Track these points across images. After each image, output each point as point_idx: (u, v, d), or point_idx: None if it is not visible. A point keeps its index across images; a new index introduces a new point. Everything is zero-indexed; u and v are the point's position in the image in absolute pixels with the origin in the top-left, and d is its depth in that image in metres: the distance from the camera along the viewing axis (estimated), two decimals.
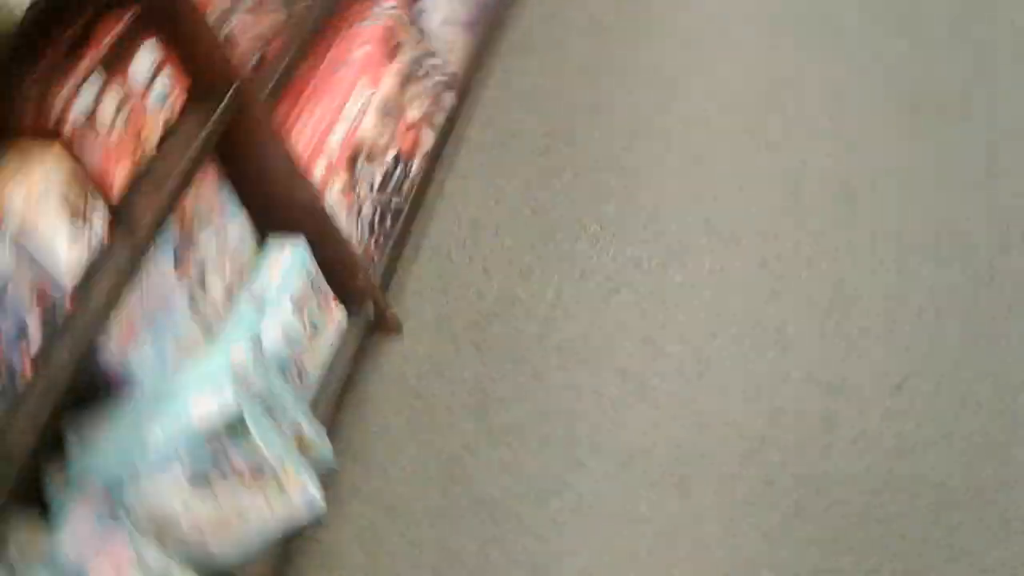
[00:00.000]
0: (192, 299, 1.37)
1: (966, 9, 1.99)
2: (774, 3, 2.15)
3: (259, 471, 1.24)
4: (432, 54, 1.84)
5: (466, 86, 2.08)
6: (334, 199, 1.56)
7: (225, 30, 1.32)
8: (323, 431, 1.43)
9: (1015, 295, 1.51)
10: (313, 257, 1.53)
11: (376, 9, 1.69)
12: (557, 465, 1.50)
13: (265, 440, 1.23)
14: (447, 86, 1.92)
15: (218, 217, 1.42)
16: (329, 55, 1.62)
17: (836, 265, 1.63)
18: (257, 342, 1.32)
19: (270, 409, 1.32)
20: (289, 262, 1.47)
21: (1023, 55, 1.88)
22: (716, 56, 2.08)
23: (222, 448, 1.21)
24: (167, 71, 1.26)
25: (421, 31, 1.81)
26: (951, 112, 1.83)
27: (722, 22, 2.14)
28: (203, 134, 1.28)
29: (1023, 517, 1.23)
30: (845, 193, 1.74)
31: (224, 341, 1.35)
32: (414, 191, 1.82)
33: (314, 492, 1.29)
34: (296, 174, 1.45)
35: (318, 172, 1.51)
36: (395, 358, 1.71)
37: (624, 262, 1.73)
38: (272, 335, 1.41)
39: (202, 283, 1.39)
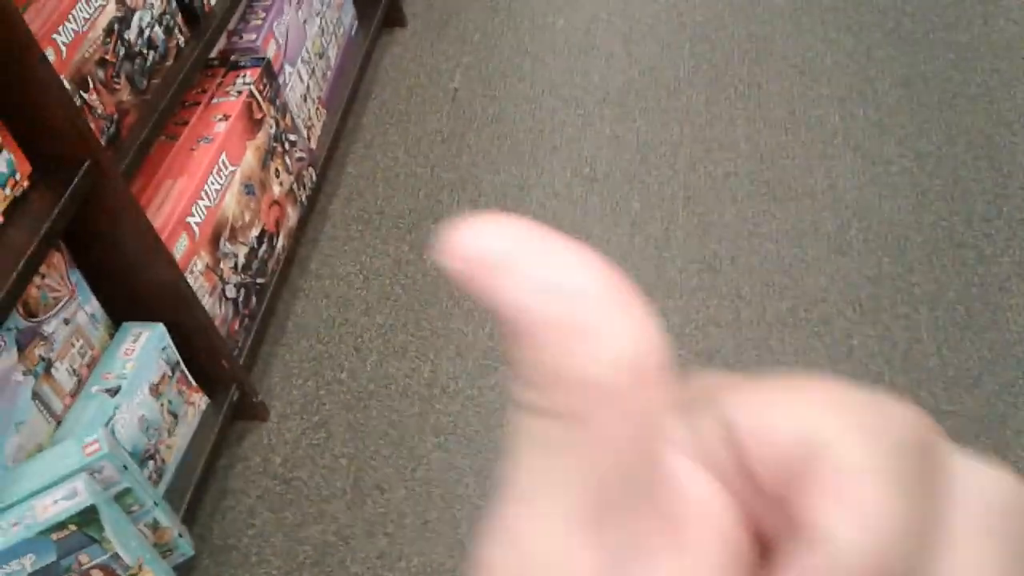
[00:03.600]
0: (37, 390, 1.25)
1: (804, 90, 2.14)
2: (630, 73, 2.23)
3: (112, 570, 1.13)
4: (293, 129, 1.79)
5: (328, 162, 2.04)
6: (196, 279, 1.47)
7: (77, 104, 1.23)
8: (182, 524, 1.32)
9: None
10: (173, 341, 1.44)
11: (236, 84, 1.64)
12: (439, 552, 1.44)
13: (119, 536, 1.12)
14: (309, 162, 1.88)
15: (68, 302, 1.30)
16: (187, 130, 1.55)
17: (705, 339, 1.68)
18: (110, 434, 1.22)
19: (125, 503, 1.21)
20: (146, 347, 1.37)
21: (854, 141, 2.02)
22: (578, 129, 2.13)
23: (72, 546, 1.09)
24: (8, 149, 1.16)
25: (284, 105, 1.76)
26: (802, 193, 1.93)
27: (581, 96, 2.20)
28: (52, 215, 1.18)
29: None
30: (709, 266, 1.80)
31: (74, 433, 1.24)
32: (280, 269, 1.75)
33: None
34: (155, 254, 1.36)
35: (178, 251, 1.42)
36: (261, 444, 1.61)
37: (499, 339, 1.71)
38: (127, 424, 1.31)
39: (49, 372, 1.27)
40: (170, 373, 1.41)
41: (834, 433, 0.15)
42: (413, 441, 1.59)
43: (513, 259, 0.15)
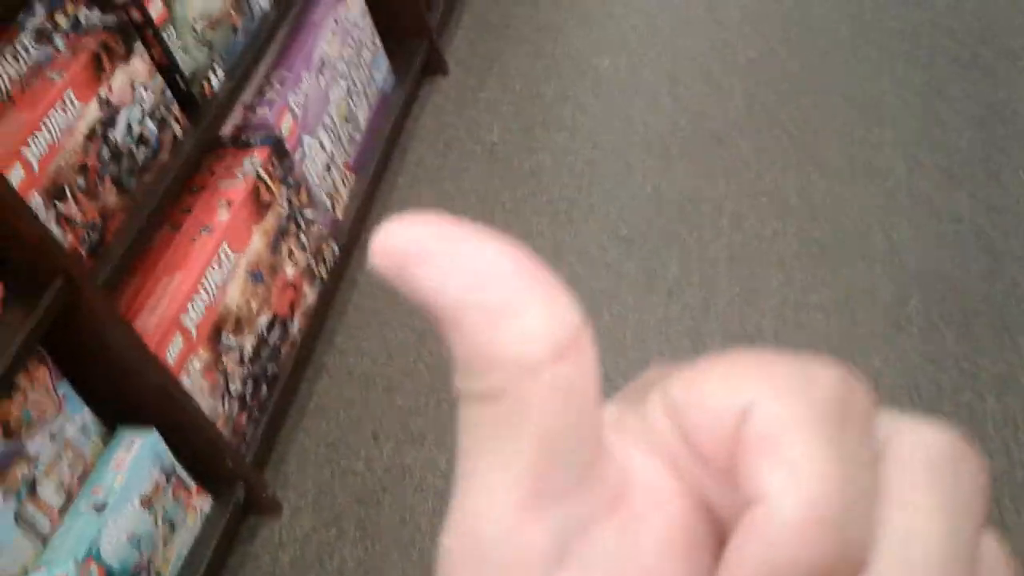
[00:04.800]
0: (21, 512, 1.22)
1: (866, 134, 1.95)
2: (675, 118, 2.09)
3: None
4: (309, 205, 1.73)
5: (358, 227, 1.98)
6: (194, 380, 1.42)
7: (50, 217, 1.20)
8: None
9: None
10: (172, 443, 1.40)
11: (243, 166, 1.59)
12: None
13: None
14: (331, 235, 1.82)
15: (55, 416, 1.28)
16: (190, 219, 1.51)
17: None
18: (84, 561, 1.18)
19: None
20: (138, 457, 1.33)
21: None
22: (617, 183, 2.00)
23: None
24: None
25: (298, 181, 1.71)
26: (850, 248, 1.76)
27: (622, 145, 2.08)
28: (24, 335, 1.15)
29: None
30: (751, 341, 1.65)
31: (60, 554, 1.21)
32: (296, 350, 1.70)
33: None
34: (144, 361, 1.32)
35: (172, 353, 1.38)
36: (270, 542, 1.56)
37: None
38: (114, 542, 1.27)
39: (34, 491, 1.24)
40: (164, 481, 1.37)
41: (761, 397, 0.16)
42: (424, 542, 1.51)
43: (432, 250, 0.16)
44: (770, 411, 0.16)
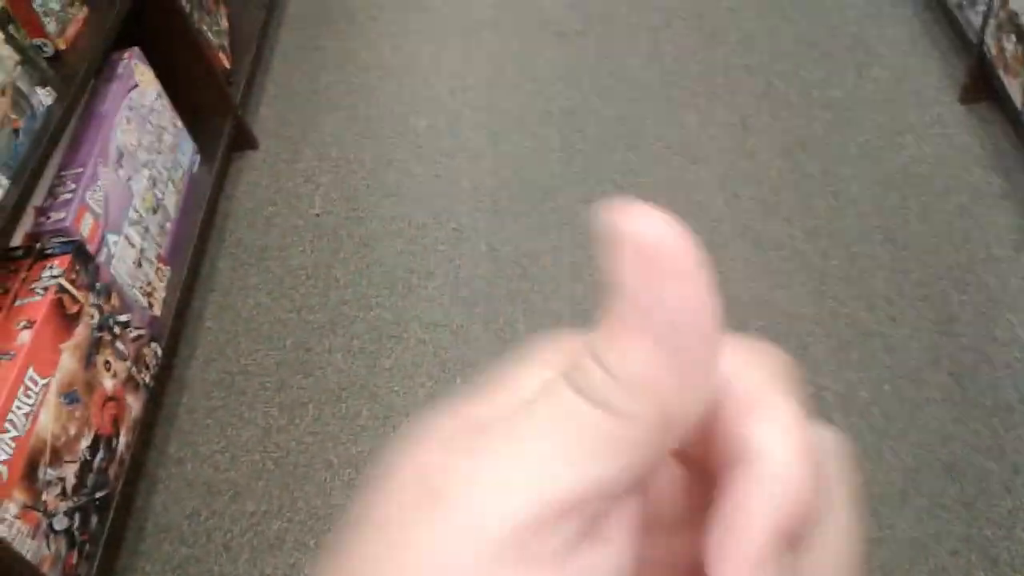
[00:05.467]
0: None
1: (682, 173, 2.01)
2: (501, 175, 2.08)
3: None
4: (122, 309, 1.59)
5: (180, 322, 1.85)
6: (11, 526, 1.25)
7: None
8: None
9: None
10: None
11: (41, 279, 1.43)
12: None
13: None
14: (150, 337, 1.68)
15: None
16: None
17: None
18: None
19: None
20: None
21: None
22: (452, 246, 1.96)
23: None
24: None
25: (107, 285, 1.56)
26: None
27: (451, 206, 2.05)
28: None
29: None
30: None
31: None
32: (126, 469, 1.55)
33: None
34: None
35: None
36: None
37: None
38: None
39: None
40: None
41: (737, 368, 0.19)
42: None
43: (686, 270, 0.18)
44: (751, 379, 0.19)
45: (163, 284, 1.82)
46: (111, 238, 1.66)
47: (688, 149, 2.05)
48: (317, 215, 2.11)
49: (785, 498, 0.17)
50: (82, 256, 1.51)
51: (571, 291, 1.82)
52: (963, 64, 2.04)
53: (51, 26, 1.59)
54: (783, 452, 0.18)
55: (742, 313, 1.71)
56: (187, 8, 2.09)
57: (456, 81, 2.37)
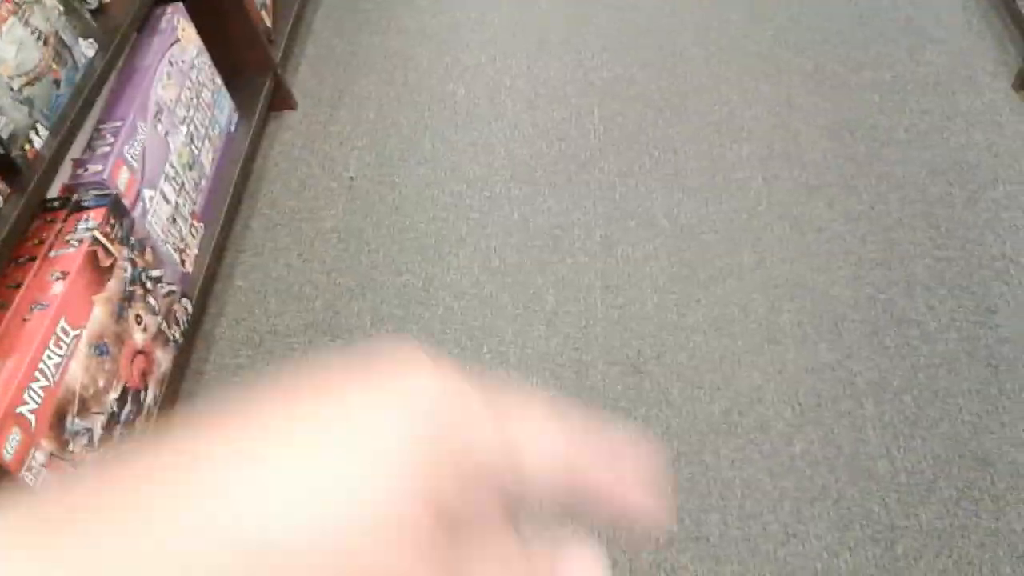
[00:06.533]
0: None
1: (724, 151, 1.98)
2: (537, 145, 2.06)
3: None
4: (155, 264, 1.60)
5: (211, 280, 1.86)
6: (37, 475, 1.27)
7: None
8: None
9: None
10: None
11: (77, 230, 1.44)
12: None
13: None
14: (181, 293, 1.69)
15: None
16: (20, 295, 1.35)
17: None
18: None
19: None
20: None
21: None
22: (485, 214, 1.95)
23: None
24: None
25: (141, 240, 1.57)
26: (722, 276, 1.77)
27: (486, 175, 2.03)
28: None
29: None
30: (633, 367, 1.63)
31: None
32: (153, 423, 1.56)
33: None
34: None
35: (9, 449, 1.22)
36: None
37: None
38: None
39: None
40: None
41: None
42: None
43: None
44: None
45: (196, 241, 1.83)
46: (147, 193, 1.66)
47: (730, 126, 2.02)
48: (351, 178, 2.10)
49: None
50: (118, 209, 1.51)
51: (603, 265, 1.80)
52: (1018, 50, 1.97)
53: None
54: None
55: (776, 295, 1.68)
56: None
57: (497, 49, 2.35)
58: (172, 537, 0.17)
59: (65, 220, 1.48)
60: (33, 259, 1.42)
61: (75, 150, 1.58)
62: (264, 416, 0.20)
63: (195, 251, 1.81)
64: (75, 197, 1.50)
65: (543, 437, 0.22)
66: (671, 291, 1.73)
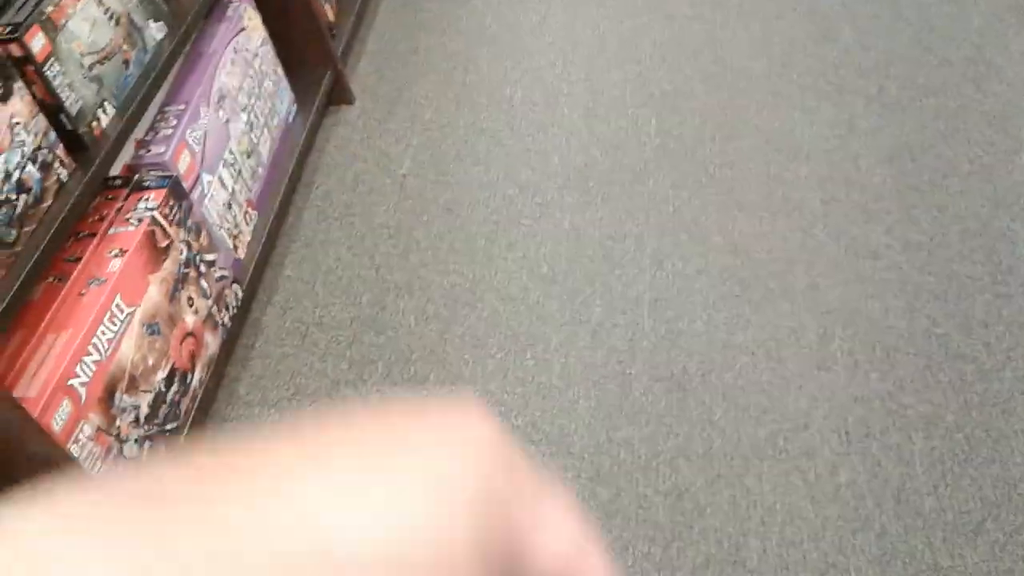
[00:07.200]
0: None
1: (781, 170, 1.95)
2: (591, 153, 2.05)
3: None
4: (210, 249, 1.61)
5: (262, 267, 1.87)
6: (83, 447, 1.29)
7: None
8: None
9: None
10: None
11: (137, 209, 1.46)
12: None
13: None
14: (232, 279, 1.70)
15: None
16: (79, 269, 1.37)
17: (674, 475, 1.49)
18: None
19: None
20: None
21: None
22: (536, 220, 1.95)
23: None
24: None
25: (197, 223, 1.58)
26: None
27: (539, 181, 2.02)
28: None
29: None
30: (678, 384, 1.61)
31: None
32: (196, 405, 1.57)
33: None
34: (26, 431, 1.18)
35: (59, 420, 1.24)
36: None
37: None
38: None
39: None
40: None
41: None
42: None
43: None
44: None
45: (249, 228, 1.84)
46: (206, 177, 1.68)
47: (789, 145, 1.99)
48: (404, 176, 2.11)
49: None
50: (177, 192, 1.53)
51: (652, 278, 1.79)
52: None
53: None
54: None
55: (828, 320, 1.66)
56: None
57: (557, 55, 2.34)
58: (253, 538, 0.17)
59: (126, 199, 1.50)
60: (93, 235, 1.44)
61: (139, 131, 1.60)
62: (336, 437, 0.20)
63: (248, 238, 1.82)
64: (137, 176, 1.52)
65: (559, 530, 0.21)
66: (721, 309, 1.71)
